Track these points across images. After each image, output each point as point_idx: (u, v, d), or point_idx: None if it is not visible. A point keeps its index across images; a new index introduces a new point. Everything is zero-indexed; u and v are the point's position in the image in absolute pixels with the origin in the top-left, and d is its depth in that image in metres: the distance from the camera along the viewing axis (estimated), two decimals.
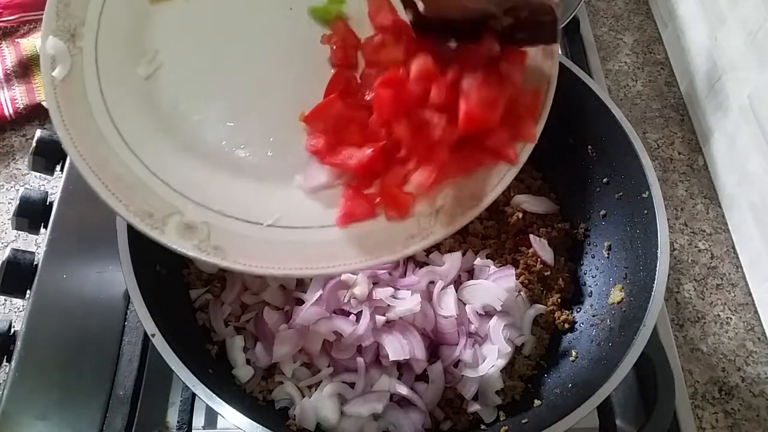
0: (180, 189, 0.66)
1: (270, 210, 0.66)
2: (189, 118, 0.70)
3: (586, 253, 0.92)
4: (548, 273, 0.90)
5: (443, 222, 0.64)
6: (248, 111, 0.71)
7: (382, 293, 0.81)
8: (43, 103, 0.72)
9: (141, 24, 0.72)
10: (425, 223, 0.64)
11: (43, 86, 0.67)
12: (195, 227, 0.64)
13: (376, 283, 0.84)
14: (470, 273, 0.89)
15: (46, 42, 0.67)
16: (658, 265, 0.75)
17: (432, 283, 0.85)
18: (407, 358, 0.78)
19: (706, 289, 1.03)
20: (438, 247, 0.91)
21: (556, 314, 0.87)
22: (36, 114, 1.20)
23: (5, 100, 1.18)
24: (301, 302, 0.82)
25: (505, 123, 0.65)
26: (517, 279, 0.87)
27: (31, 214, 0.95)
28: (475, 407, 0.80)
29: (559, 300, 0.89)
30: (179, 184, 0.66)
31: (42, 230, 0.97)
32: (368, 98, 0.68)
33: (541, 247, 0.90)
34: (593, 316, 0.85)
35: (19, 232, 1.03)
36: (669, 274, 0.75)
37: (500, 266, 0.88)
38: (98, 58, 0.69)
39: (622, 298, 0.81)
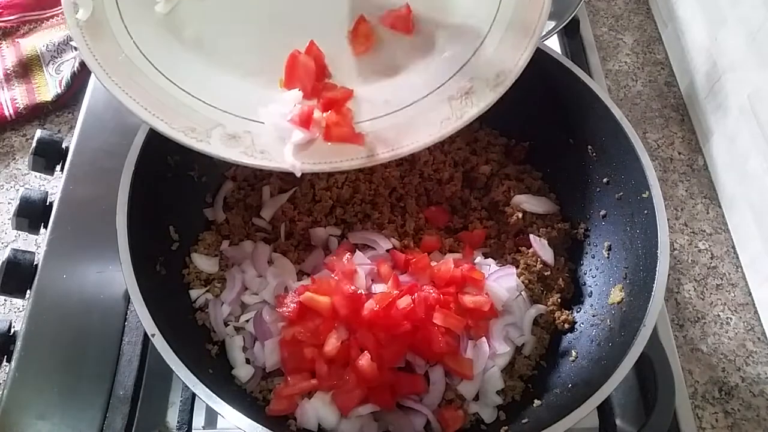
0: (219, 105, 0.71)
1: None
2: (215, 45, 0.75)
3: (586, 253, 0.92)
4: (548, 273, 0.90)
5: (474, 101, 0.71)
6: (270, 35, 0.77)
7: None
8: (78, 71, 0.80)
9: None
10: (457, 105, 0.71)
11: (69, 29, 0.71)
12: (238, 136, 0.69)
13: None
14: None
15: None
16: (658, 265, 0.75)
17: None
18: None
19: (706, 289, 1.03)
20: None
21: (556, 314, 0.87)
22: (36, 114, 1.20)
23: (5, 100, 1.18)
24: None
25: None
26: (517, 279, 0.87)
27: (31, 214, 0.95)
28: (475, 407, 0.80)
29: (559, 300, 0.89)
30: (218, 102, 0.71)
31: (42, 230, 0.97)
32: None
33: (541, 247, 0.90)
34: (593, 316, 0.85)
35: (19, 232, 1.03)
36: (669, 274, 0.75)
37: (501, 266, 0.88)
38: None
39: (622, 298, 0.81)
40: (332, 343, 0.76)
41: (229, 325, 0.84)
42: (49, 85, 1.20)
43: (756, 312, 1.01)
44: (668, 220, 0.78)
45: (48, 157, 1.00)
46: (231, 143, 0.68)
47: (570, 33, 1.25)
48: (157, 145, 0.80)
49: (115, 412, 0.80)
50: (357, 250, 0.88)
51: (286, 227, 0.92)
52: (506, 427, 0.76)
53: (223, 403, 0.66)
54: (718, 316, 1.00)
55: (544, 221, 0.95)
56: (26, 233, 0.99)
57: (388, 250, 0.89)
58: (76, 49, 1.25)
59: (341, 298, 0.77)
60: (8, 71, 1.21)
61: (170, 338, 0.69)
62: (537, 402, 0.79)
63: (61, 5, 1.34)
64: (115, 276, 0.91)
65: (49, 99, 1.19)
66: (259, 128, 0.70)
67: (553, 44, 1.23)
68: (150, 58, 0.71)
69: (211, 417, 0.83)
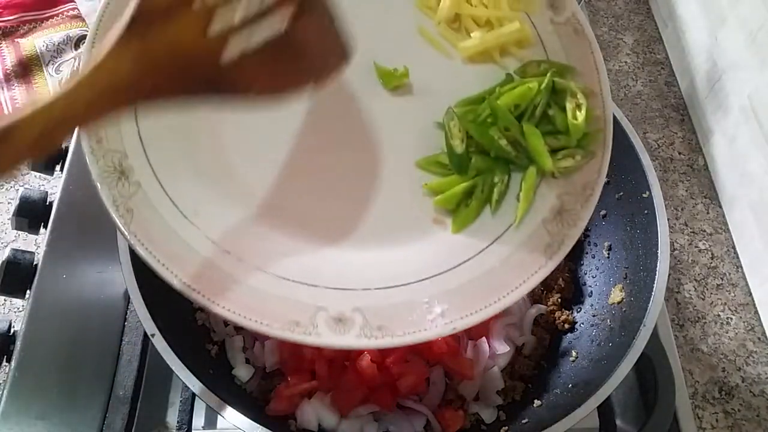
0: (315, 282, 0.59)
1: (416, 265, 0.61)
2: (291, 210, 0.63)
3: (586, 253, 0.92)
4: None
5: (570, 222, 0.63)
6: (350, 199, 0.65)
7: None
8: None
9: (194, 138, 0.64)
10: (554, 228, 0.62)
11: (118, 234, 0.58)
12: (346, 318, 0.57)
13: None
14: None
15: (103, 197, 0.59)
16: (658, 265, 0.75)
17: None
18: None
19: (707, 289, 1.03)
20: None
21: (556, 314, 0.87)
22: None
23: (5, 100, 1.18)
24: None
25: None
26: None
27: (31, 214, 0.95)
28: (475, 407, 0.80)
29: (559, 300, 0.89)
30: (313, 279, 0.59)
31: (42, 230, 0.96)
32: None
33: None
34: (593, 316, 0.85)
35: (19, 232, 1.03)
36: (669, 274, 0.75)
37: None
38: (162, 182, 0.60)
39: (622, 298, 0.81)
40: None
41: (229, 325, 0.84)
42: (49, 85, 1.20)
43: (756, 312, 1.01)
44: (668, 220, 0.78)
45: (48, 157, 1.00)
46: (340, 328, 0.56)
47: None
48: None
49: (115, 412, 0.80)
50: None
51: None
52: (506, 427, 0.76)
53: (223, 403, 0.66)
54: (719, 316, 1.00)
55: None
56: (26, 233, 0.99)
57: None
58: (76, 48, 1.25)
59: None
60: (8, 71, 1.21)
61: (170, 338, 0.69)
62: (537, 402, 0.79)
63: (60, 5, 1.34)
64: (115, 276, 0.91)
65: None
66: (367, 297, 0.58)
67: None
68: (225, 246, 0.58)
69: (211, 417, 0.83)
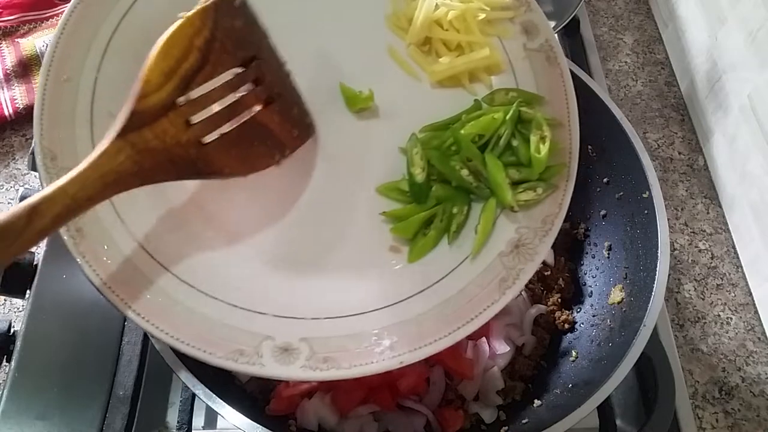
0: (263, 310, 0.58)
1: (368, 296, 0.60)
2: (242, 234, 0.62)
3: (586, 253, 0.92)
4: (548, 273, 0.90)
5: (526, 256, 0.61)
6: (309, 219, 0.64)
7: None
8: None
9: None
10: (510, 261, 0.61)
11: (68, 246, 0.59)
12: (292, 348, 0.56)
13: None
14: None
15: None
16: (658, 265, 0.75)
17: None
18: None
19: (707, 289, 1.03)
20: None
21: (557, 314, 0.87)
22: None
23: (5, 100, 1.18)
24: None
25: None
26: None
27: None
28: (475, 407, 0.80)
29: (559, 300, 0.89)
30: (261, 306, 0.58)
31: None
32: None
33: None
34: (593, 316, 0.85)
35: None
36: (669, 274, 0.75)
37: None
38: (115, 204, 0.60)
39: (623, 298, 0.81)
40: None
41: None
42: None
43: (756, 312, 1.01)
44: (668, 220, 0.78)
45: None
46: (285, 358, 0.55)
47: (570, 33, 1.25)
48: None
49: (115, 412, 0.80)
50: None
51: None
52: (506, 428, 0.76)
53: (223, 403, 0.66)
54: (719, 316, 1.00)
55: None
56: None
57: None
58: None
59: None
60: (8, 71, 1.21)
61: None
62: (537, 402, 0.79)
63: (60, 5, 1.34)
64: None
65: None
66: (315, 327, 0.57)
67: None
68: (174, 271, 0.58)
69: (211, 417, 0.83)
